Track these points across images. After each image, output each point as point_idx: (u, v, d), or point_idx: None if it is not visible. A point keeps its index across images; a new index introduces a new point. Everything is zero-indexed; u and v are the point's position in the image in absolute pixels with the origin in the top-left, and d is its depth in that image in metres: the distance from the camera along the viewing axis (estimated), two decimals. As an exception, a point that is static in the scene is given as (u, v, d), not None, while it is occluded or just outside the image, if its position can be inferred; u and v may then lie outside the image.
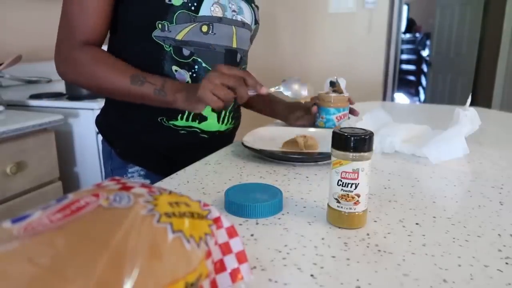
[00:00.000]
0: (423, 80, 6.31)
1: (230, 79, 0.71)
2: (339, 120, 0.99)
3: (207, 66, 0.83)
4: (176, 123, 0.84)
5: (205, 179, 0.69)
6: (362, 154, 0.47)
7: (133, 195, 0.30)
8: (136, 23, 0.80)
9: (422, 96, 6.41)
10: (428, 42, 6.35)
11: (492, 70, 3.68)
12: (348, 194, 0.48)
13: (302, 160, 0.77)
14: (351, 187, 0.48)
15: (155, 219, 0.28)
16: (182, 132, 0.85)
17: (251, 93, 0.74)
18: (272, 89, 0.78)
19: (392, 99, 3.19)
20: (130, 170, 0.89)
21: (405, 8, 7.30)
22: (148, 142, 0.87)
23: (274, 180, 0.68)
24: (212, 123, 0.87)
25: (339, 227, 0.50)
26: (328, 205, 0.51)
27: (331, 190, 0.50)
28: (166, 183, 0.67)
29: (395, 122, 0.94)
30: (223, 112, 0.88)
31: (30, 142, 1.30)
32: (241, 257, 0.35)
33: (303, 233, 0.49)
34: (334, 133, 0.49)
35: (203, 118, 0.85)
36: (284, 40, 2.88)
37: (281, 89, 0.80)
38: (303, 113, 1.03)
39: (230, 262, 0.34)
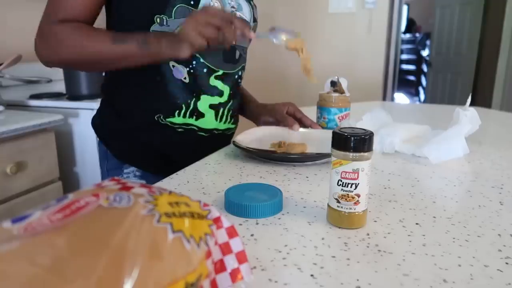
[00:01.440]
0: (423, 80, 6.31)
1: (216, 18, 0.68)
2: (341, 120, 0.99)
3: (205, 62, 0.82)
4: (173, 120, 0.84)
5: (205, 179, 0.69)
6: (362, 154, 0.47)
7: (133, 195, 0.30)
8: (134, 17, 0.79)
9: (422, 96, 6.41)
10: (428, 42, 6.35)
11: (492, 70, 3.68)
12: (348, 194, 0.48)
13: (300, 159, 0.77)
14: (351, 187, 0.48)
15: (155, 219, 0.28)
16: (180, 130, 0.85)
17: (238, 35, 0.71)
18: (260, 34, 0.75)
19: (392, 99, 3.19)
20: (125, 170, 0.88)
21: (405, 8, 7.30)
22: (145, 141, 0.87)
23: (274, 180, 0.68)
24: (209, 121, 0.86)
25: (339, 227, 0.50)
26: (328, 205, 0.51)
27: (331, 190, 0.50)
28: (166, 183, 0.67)
29: (395, 122, 0.94)
30: (221, 110, 0.88)
31: (30, 142, 1.30)
32: (241, 257, 0.35)
33: (303, 233, 0.49)
34: (334, 133, 0.49)
35: (200, 115, 0.85)
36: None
37: (269, 36, 0.77)
38: (273, 119, 0.97)
39: (230, 262, 0.34)
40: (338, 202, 0.49)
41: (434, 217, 0.54)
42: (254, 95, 1.08)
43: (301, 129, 0.94)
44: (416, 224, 0.51)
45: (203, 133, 0.87)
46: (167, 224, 0.28)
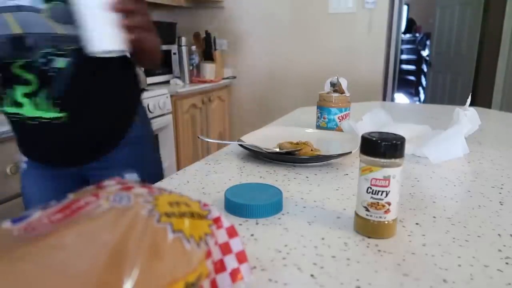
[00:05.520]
0: (423, 80, 6.31)
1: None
2: (341, 120, 0.99)
3: None
4: (6, 109, 0.86)
5: (205, 179, 0.69)
6: (394, 160, 0.44)
7: (133, 195, 0.30)
8: None
9: (422, 96, 6.41)
10: (428, 42, 6.34)
11: (492, 70, 3.68)
12: (378, 202, 0.46)
13: (301, 160, 0.77)
14: (381, 194, 0.45)
15: (155, 219, 0.28)
16: (14, 119, 0.88)
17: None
18: None
19: (392, 99, 3.19)
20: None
21: (405, 8, 7.29)
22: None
23: (274, 180, 0.68)
24: (29, 109, 0.86)
25: (368, 237, 0.48)
26: (356, 213, 0.49)
27: (359, 198, 0.47)
28: (166, 183, 0.67)
29: (395, 122, 0.94)
30: (35, 98, 0.87)
31: (30, 142, 1.30)
32: (241, 257, 0.35)
33: (303, 233, 0.49)
34: (363, 137, 0.46)
35: (19, 104, 0.85)
36: (284, 40, 2.88)
37: None
38: None
39: (230, 262, 0.34)
40: (367, 210, 0.46)
41: (434, 217, 0.54)
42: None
43: (306, 130, 0.94)
44: (416, 224, 0.51)
45: (30, 121, 0.88)
46: (167, 224, 0.28)
